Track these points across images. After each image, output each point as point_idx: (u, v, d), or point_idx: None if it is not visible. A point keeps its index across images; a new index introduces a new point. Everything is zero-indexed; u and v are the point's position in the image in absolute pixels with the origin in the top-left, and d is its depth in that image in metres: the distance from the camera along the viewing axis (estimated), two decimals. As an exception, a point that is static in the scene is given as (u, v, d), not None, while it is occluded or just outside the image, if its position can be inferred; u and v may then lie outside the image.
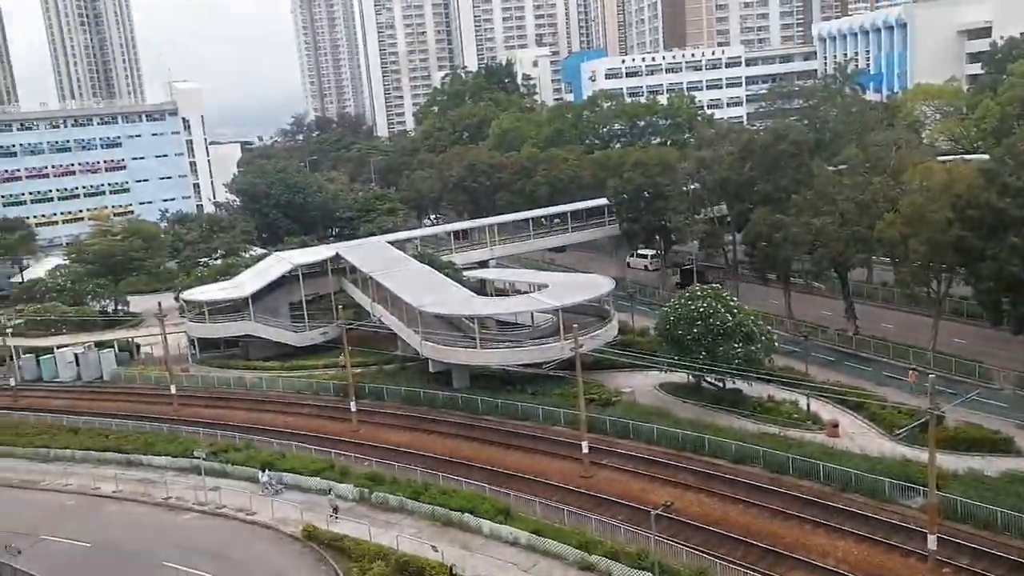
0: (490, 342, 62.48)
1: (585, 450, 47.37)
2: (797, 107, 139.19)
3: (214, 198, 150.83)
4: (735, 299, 56.95)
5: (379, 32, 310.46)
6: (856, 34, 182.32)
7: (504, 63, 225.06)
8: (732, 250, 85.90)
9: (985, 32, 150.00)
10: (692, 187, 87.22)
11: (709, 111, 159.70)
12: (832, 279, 74.11)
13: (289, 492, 48.53)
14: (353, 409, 57.68)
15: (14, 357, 76.51)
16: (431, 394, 61.04)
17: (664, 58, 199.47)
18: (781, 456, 45.60)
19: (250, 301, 74.64)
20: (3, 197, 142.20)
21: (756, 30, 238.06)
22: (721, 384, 56.18)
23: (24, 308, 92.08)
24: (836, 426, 50.34)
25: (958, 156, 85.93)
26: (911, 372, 56.98)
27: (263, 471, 49.83)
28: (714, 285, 58.05)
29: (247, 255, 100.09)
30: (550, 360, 59.48)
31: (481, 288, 79.11)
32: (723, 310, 53.64)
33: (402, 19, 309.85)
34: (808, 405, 53.36)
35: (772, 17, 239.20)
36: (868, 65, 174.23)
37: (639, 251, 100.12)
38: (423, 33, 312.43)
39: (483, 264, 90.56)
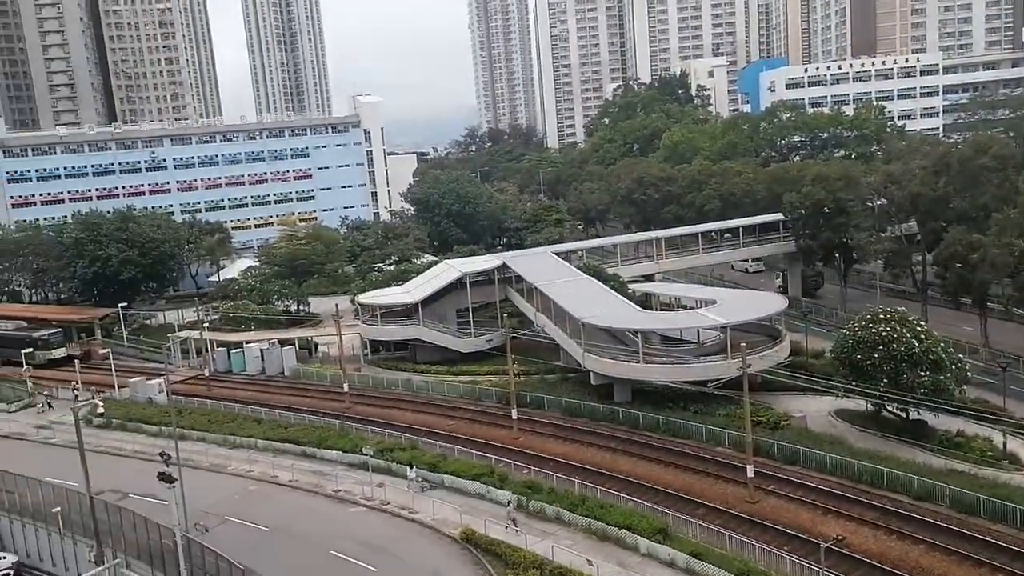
0: (654, 357, 61.35)
1: (750, 474, 45.42)
2: (1002, 118, 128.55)
3: (390, 206, 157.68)
4: (923, 323, 52.89)
5: (553, 45, 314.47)
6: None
7: (678, 74, 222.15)
8: (921, 271, 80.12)
9: None
10: (878, 203, 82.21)
11: (900, 122, 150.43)
12: (1036, 306, 67.45)
13: (449, 495, 49.56)
14: (514, 417, 58.27)
15: (210, 350, 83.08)
16: (592, 406, 60.66)
17: (851, 66, 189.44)
18: (971, 496, 41.78)
19: (420, 307, 77.28)
20: (207, 202, 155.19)
21: (957, 35, 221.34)
22: (904, 414, 52.25)
23: (220, 305, 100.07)
24: (1038, 467, 45.66)
25: None
26: None
27: (411, 467, 51.75)
28: (899, 309, 54.01)
29: (419, 262, 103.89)
30: (716, 379, 57.63)
31: (646, 302, 78.05)
32: (909, 335, 49.94)
33: (576, 31, 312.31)
34: (1005, 443, 48.65)
35: (975, 22, 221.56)
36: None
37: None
38: (596, 45, 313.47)
39: (649, 278, 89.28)
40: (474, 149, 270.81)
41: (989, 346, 67.24)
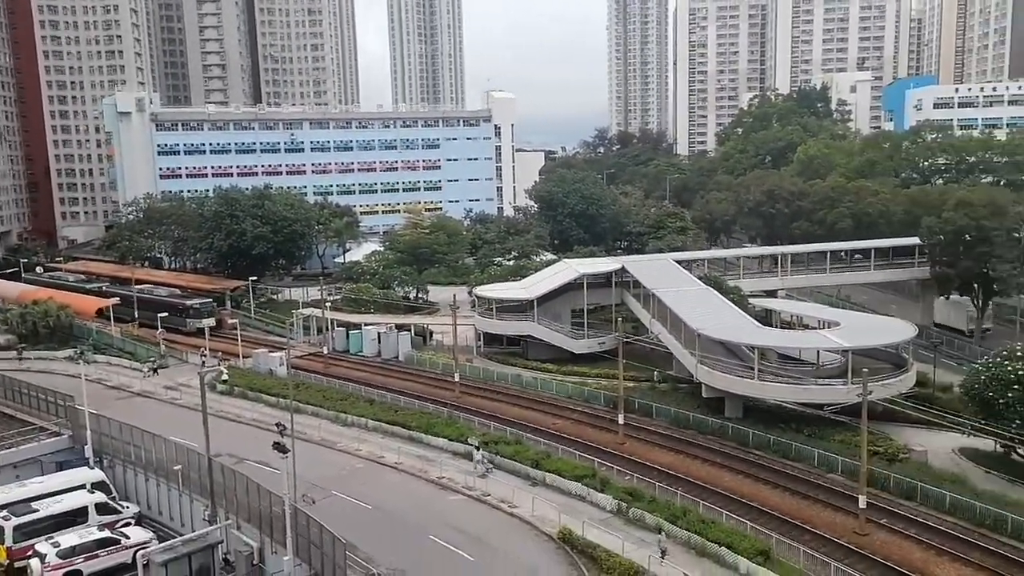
0: (769, 375, 59.82)
1: (862, 504, 43.70)
2: None
3: (514, 202, 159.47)
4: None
5: (690, 51, 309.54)
6: None
7: (819, 86, 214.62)
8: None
9: None
10: (1026, 234, 77.28)
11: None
12: None
13: (550, 493, 49.80)
14: (620, 422, 58.03)
15: (329, 329, 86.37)
16: (701, 419, 59.70)
17: (1008, 88, 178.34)
18: (1106, 556, 38.91)
19: (535, 303, 77.92)
20: (339, 186, 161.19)
21: None
22: (1036, 460, 49.13)
23: (343, 286, 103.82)
24: None
25: None
26: None
27: (477, 449, 52.54)
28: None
29: (538, 259, 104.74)
30: (833, 403, 55.65)
31: (766, 318, 76.11)
32: (1049, 377, 46.90)
33: (715, 39, 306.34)
34: None
35: None
36: None
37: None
38: (735, 53, 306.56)
39: (771, 293, 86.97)
40: (602, 151, 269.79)
41: None
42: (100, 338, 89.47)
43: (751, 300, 79.20)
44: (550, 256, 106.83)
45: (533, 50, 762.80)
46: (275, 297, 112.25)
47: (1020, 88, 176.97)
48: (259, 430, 59.34)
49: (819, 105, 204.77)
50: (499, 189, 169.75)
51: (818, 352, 64.25)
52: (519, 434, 58.23)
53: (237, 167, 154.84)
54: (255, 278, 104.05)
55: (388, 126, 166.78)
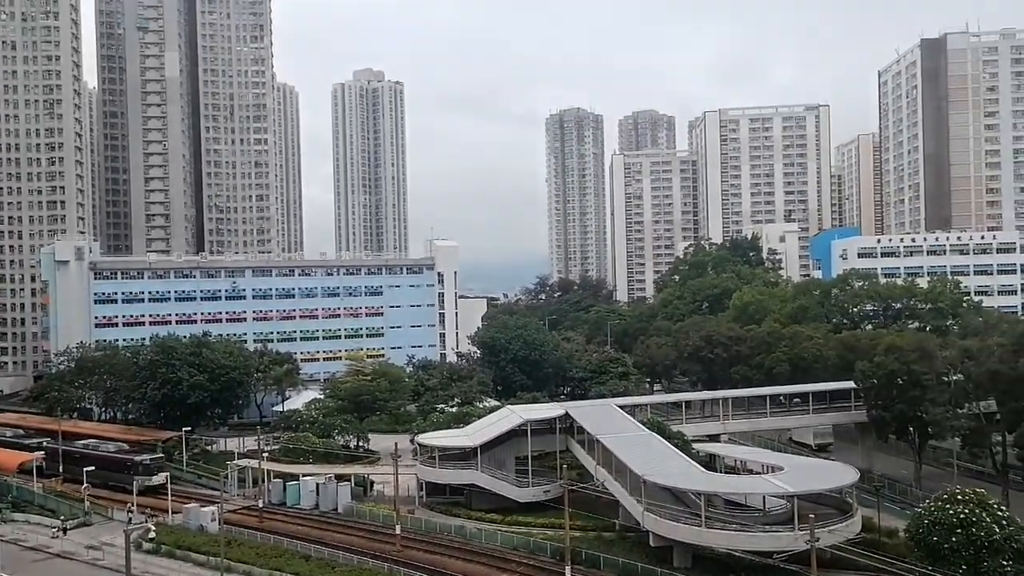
0: (717, 522, 59.07)
1: (816, 659, 42.46)
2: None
3: (457, 348, 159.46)
4: (1004, 508, 50.07)
5: (627, 202, 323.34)
6: None
7: (750, 237, 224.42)
8: (1002, 452, 76.46)
9: None
10: (954, 378, 79.79)
11: (976, 298, 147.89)
12: None
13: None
14: (567, 575, 56.17)
15: (266, 480, 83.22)
16: (649, 570, 58.10)
17: (926, 240, 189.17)
18: None
19: (479, 451, 76.68)
20: (279, 333, 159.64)
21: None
22: (986, 606, 48.69)
23: (281, 436, 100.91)
24: None
25: None
26: None
27: None
28: (978, 490, 51.44)
29: (481, 405, 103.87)
30: (782, 550, 54.92)
31: (710, 463, 76.02)
32: (989, 520, 47.31)
33: (650, 191, 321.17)
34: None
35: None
36: None
37: None
38: (670, 205, 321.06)
39: (714, 438, 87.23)
40: (543, 298, 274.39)
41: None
42: (20, 494, 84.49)
43: (694, 445, 79.21)
44: (493, 402, 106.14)
45: (475, 199, 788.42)
46: (209, 448, 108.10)
47: (937, 239, 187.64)
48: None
49: (751, 254, 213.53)
50: (442, 335, 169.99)
51: (764, 498, 63.97)
52: (463, 590, 55.80)
53: (176, 315, 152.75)
54: (189, 428, 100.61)
55: (331, 273, 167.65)
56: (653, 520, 59.40)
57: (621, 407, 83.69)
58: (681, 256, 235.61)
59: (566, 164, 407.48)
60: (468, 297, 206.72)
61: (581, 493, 70.17)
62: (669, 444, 71.09)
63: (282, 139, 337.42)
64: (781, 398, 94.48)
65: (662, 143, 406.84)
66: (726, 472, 75.58)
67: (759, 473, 67.57)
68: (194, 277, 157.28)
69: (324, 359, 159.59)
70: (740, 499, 66.19)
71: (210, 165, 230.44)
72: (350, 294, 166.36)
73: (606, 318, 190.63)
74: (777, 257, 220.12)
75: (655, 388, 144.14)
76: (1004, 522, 47.44)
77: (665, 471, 62.32)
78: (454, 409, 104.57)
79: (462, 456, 78.81)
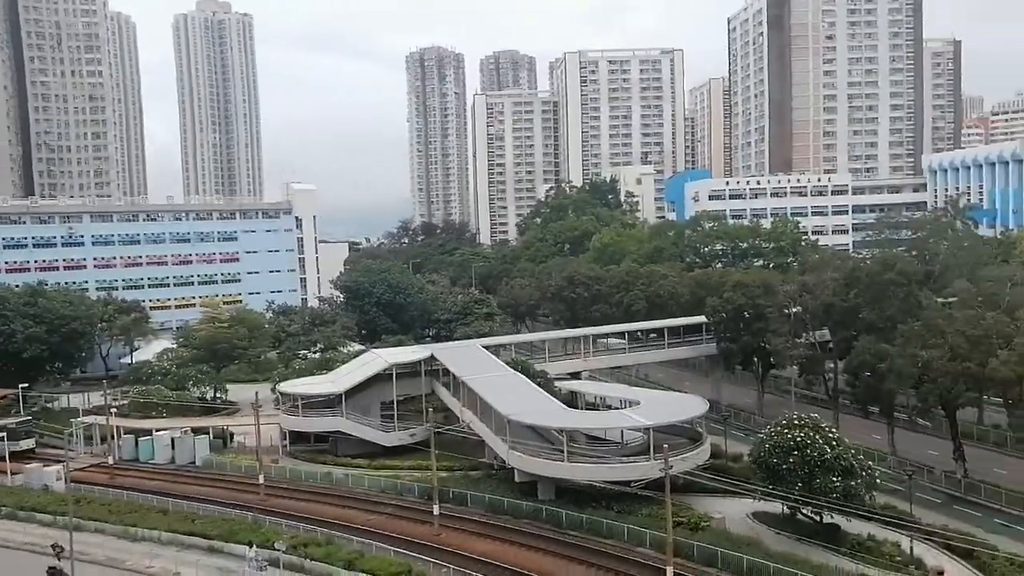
0: (578, 456, 61.41)
1: (670, 575, 45.37)
2: (906, 238, 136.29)
3: (319, 293, 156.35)
4: (834, 431, 54.58)
5: (489, 143, 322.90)
6: (969, 167, 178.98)
7: (608, 179, 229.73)
8: (833, 379, 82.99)
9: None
10: (794, 311, 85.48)
11: (813, 237, 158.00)
12: (939, 417, 70.41)
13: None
14: (436, 513, 57.15)
15: (115, 437, 79.53)
16: (515, 504, 60.00)
17: (769, 182, 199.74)
18: (882, 604, 42.52)
19: (343, 397, 75.99)
20: (125, 281, 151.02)
21: (864, 159, 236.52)
22: (817, 518, 53.28)
23: (130, 389, 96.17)
24: (941, 573, 47.06)
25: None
26: None
27: (250, 546, 50.86)
28: (812, 415, 55.77)
29: (345, 350, 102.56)
30: (639, 479, 57.90)
31: (572, 400, 78.48)
32: (821, 441, 51.47)
33: (512, 132, 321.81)
34: (911, 548, 49.97)
35: (881, 147, 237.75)
36: (981, 199, 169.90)
37: None
38: (531, 146, 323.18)
39: (575, 375, 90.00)
40: (407, 241, 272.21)
41: (896, 454, 69.50)
42: None
43: (557, 383, 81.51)
44: (358, 346, 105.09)
45: (334, 142, 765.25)
46: (50, 405, 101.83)
47: (779, 182, 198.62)
48: (33, 555, 53.23)
49: (609, 196, 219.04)
50: (303, 281, 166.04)
51: (622, 431, 66.87)
52: (331, 534, 55.77)
53: (6, 263, 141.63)
54: (26, 384, 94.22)
55: (180, 219, 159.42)
56: (518, 458, 61.03)
57: (486, 347, 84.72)
58: (543, 199, 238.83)
59: (427, 104, 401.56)
60: (329, 242, 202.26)
61: (448, 435, 71.21)
62: (532, 383, 72.83)
63: (120, 72, 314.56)
64: (639, 334, 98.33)
65: (523, 84, 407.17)
66: (587, 408, 78.33)
67: (618, 408, 70.41)
68: (23, 223, 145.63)
69: (176, 307, 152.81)
70: (600, 433, 68.92)
71: (37, 99, 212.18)
72: (202, 240, 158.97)
73: (470, 260, 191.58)
74: (634, 199, 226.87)
75: (519, 328, 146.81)
76: (834, 443, 51.73)
77: (529, 410, 63.90)
78: (317, 355, 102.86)
79: (326, 403, 77.85)
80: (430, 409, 71.62)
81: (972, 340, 62.19)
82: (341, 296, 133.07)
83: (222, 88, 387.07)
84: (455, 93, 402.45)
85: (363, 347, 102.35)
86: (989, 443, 73.40)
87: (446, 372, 78.79)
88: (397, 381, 78.81)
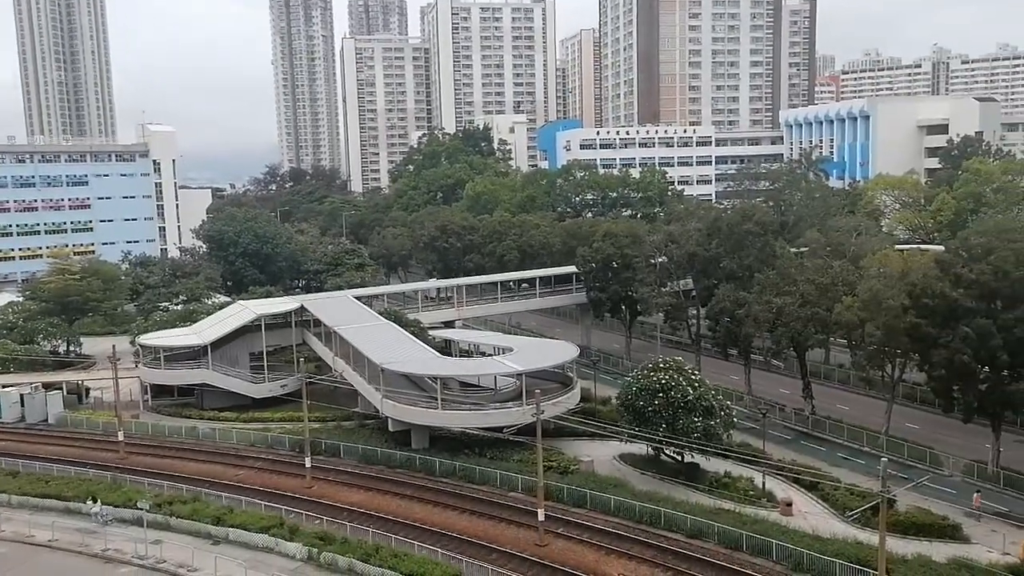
0: (452, 403, 61.98)
1: (541, 518, 46.79)
2: (763, 189, 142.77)
3: (180, 243, 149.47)
4: (697, 372, 57.31)
5: (359, 88, 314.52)
6: (821, 123, 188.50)
7: (481, 127, 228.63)
8: (696, 324, 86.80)
9: (942, 129, 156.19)
10: (660, 260, 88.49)
11: (680, 187, 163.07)
12: (791, 358, 75.08)
13: (235, 549, 47.13)
14: (308, 465, 56.54)
15: (-44, 394, 74.21)
16: (388, 453, 60.14)
17: (638, 132, 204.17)
18: (735, 532, 45.43)
19: (209, 349, 73.51)
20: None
21: (726, 112, 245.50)
22: (680, 457, 56.11)
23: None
24: (790, 504, 50.42)
25: (915, 246, 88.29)
26: (976, 495, 51.00)
27: (94, 500, 50.34)
28: (676, 358, 58.29)
29: (210, 302, 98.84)
30: (511, 424, 59.09)
31: (446, 348, 78.91)
32: (684, 383, 53.91)
33: (383, 78, 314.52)
34: (764, 482, 53.47)
35: (742, 101, 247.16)
36: (832, 153, 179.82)
37: None
38: (403, 93, 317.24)
39: (449, 324, 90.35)
40: (274, 188, 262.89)
41: (752, 394, 73.83)
42: None
43: (431, 332, 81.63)
44: (224, 298, 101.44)
45: (194, 82, 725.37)
46: None
47: (648, 133, 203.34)
48: None
49: (483, 144, 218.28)
50: (162, 229, 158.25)
51: (495, 378, 67.89)
52: (197, 491, 54.36)
53: None
54: None
55: (23, 161, 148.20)
56: (392, 406, 61.02)
57: (358, 298, 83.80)
58: (415, 146, 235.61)
59: (293, 46, 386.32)
60: (191, 188, 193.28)
61: (320, 385, 70.23)
62: (406, 332, 72.67)
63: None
64: (511, 283, 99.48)
65: (394, 29, 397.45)
66: (461, 356, 78.94)
67: (491, 355, 71.33)
68: None
69: (21, 258, 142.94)
70: (474, 380, 69.74)
71: None
72: (49, 185, 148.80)
73: (341, 209, 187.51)
74: (507, 148, 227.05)
75: (393, 278, 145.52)
76: (696, 384, 54.34)
77: (402, 359, 63.82)
78: (180, 307, 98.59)
79: (191, 355, 75.21)
80: (302, 359, 70.31)
81: (820, 287, 66.34)
82: (204, 246, 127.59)
83: (66, 20, 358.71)
84: (322, 36, 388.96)
85: (229, 299, 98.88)
86: (835, 381, 79.07)
87: (317, 323, 77.49)
88: (267, 332, 76.98)
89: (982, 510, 49.85)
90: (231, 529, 48.68)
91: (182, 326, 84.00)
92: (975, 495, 50.97)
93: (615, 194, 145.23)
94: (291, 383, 73.01)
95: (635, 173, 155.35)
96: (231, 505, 51.99)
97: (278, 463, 61.01)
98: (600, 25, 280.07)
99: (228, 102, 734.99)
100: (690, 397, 53.19)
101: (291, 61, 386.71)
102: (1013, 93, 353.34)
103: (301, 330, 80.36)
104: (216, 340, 74.06)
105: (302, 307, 79.64)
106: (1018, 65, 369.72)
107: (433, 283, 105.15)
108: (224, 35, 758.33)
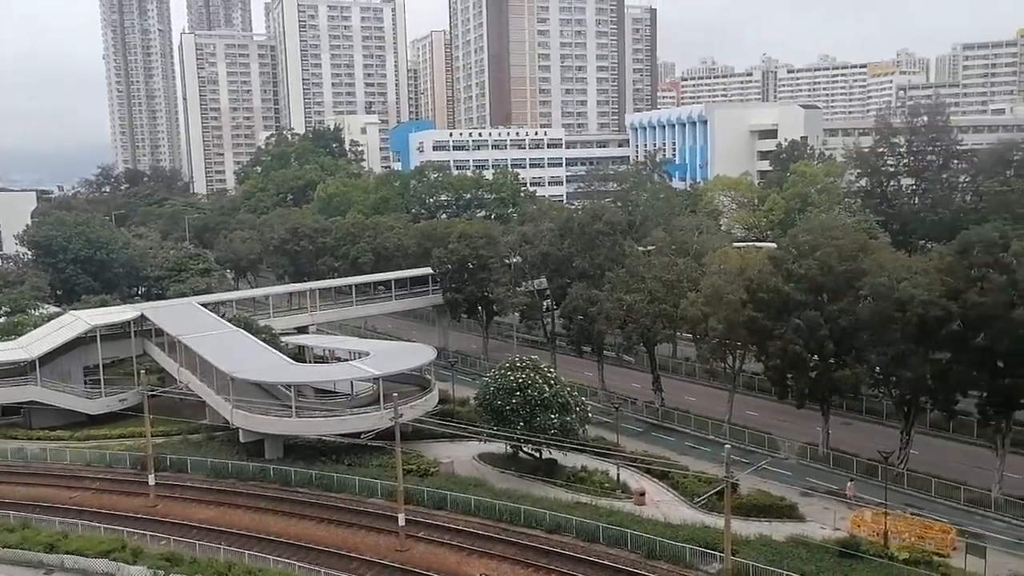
0: (307, 411, 60.39)
1: (402, 523, 46.36)
2: (612, 190, 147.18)
3: (2, 250, 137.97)
4: (552, 370, 58.41)
5: (201, 86, 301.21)
6: (664, 126, 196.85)
7: (332, 127, 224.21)
8: (551, 323, 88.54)
9: (772, 133, 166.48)
10: (514, 260, 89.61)
11: (532, 188, 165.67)
12: (641, 353, 77.94)
13: (72, 576, 44.05)
14: (151, 483, 53.56)
15: None
16: (240, 465, 57.86)
17: (491, 134, 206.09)
18: (592, 525, 46.68)
19: (37, 364, 68.27)
20: None
21: (576, 115, 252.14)
22: (538, 454, 57.04)
23: None
24: (643, 494, 52.29)
25: (751, 243, 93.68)
26: (849, 485, 52.38)
27: None
28: (532, 357, 59.20)
29: (37, 313, 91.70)
30: (369, 430, 58.23)
31: (299, 355, 76.88)
32: (541, 381, 54.81)
33: (226, 75, 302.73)
34: (618, 474, 55.21)
35: (590, 104, 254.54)
36: (674, 155, 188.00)
37: None
38: (248, 91, 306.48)
39: (303, 330, 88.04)
40: (108, 190, 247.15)
41: (606, 389, 76.09)
42: None
43: (283, 338, 79.27)
44: (53, 309, 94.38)
45: (15, 77, 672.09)
46: None
47: (500, 135, 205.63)
48: None
49: (334, 145, 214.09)
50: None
51: (351, 383, 66.69)
52: (26, 517, 50.36)
53: None
54: None
55: None
56: (243, 416, 58.77)
57: (204, 305, 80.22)
58: (263, 146, 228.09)
59: (127, 41, 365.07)
60: (12, 190, 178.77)
61: (163, 398, 66.79)
62: (257, 339, 70.22)
63: None
64: (366, 287, 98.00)
65: (237, 24, 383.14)
66: (316, 362, 77.07)
67: (347, 360, 70.02)
68: None
69: None
70: (330, 386, 68.24)
71: None
72: None
73: (183, 212, 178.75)
74: (360, 149, 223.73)
75: (241, 284, 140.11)
76: (552, 382, 55.37)
77: (253, 366, 61.63)
78: (2, 320, 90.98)
79: (17, 371, 69.60)
80: (143, 372, 66.51)
81: (667, 284, 69.23)
82: (29, 253, 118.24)
83: None
84: (159, 30, 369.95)
85: (60, 309, 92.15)
86: (682, 374, 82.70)
87: (160, 332, 73.59)
88: (103, 344, 72.39)
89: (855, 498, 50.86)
90: (67, 556, 45.46)
91: (6, 340, 77.65)
92: (848, 484, 52.23)
93: (469, 195, 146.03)
94: (131, 397, 68.83)
95: (488, 175, 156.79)
96: (66, 530, 48.52)
97: (118, 482, 57.47)
98: (451, 27, 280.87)
99: (56, 98, 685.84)
100: (546, 395, 54.12)
101: (125, 56, 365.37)
102: (833, 101, 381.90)
103: (142, 340, 76.07)
104: (45, 354, 68.90)
105: (142, 316, 75.35)
106: (837, 75, 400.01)
107: (284, 288, 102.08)
108: (48, 28, 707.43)
